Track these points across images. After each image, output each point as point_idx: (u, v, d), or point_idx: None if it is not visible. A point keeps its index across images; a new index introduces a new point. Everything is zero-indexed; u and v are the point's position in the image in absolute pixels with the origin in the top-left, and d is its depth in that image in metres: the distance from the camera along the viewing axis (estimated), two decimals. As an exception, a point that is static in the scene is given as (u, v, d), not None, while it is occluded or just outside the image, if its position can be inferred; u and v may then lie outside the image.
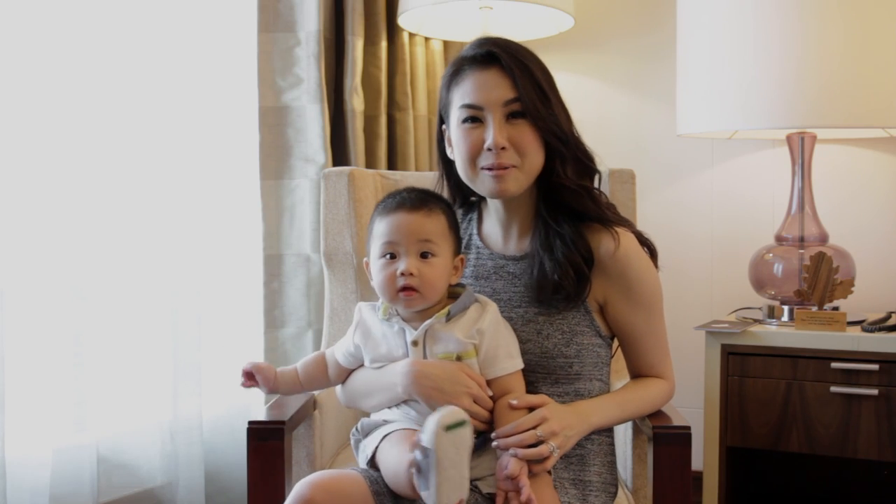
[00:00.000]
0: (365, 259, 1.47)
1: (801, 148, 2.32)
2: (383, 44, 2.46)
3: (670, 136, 2.55)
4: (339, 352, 1.53)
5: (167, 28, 2.12)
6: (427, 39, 2.62)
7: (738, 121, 2.18)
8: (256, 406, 2.25)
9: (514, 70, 1.41)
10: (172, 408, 2.13)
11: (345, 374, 1.54)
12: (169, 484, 2.14)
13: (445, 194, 1.57)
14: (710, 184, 2.66)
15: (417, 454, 1.24)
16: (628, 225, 1.51)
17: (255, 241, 2.30)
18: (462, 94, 1.44)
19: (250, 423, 1.51)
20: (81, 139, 1.96)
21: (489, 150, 1.41)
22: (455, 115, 1.45)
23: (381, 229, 1.42)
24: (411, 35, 2.55)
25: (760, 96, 2.12)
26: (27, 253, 1.89)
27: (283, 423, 1.51)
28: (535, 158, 1.44)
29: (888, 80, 2.10)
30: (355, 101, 2.37)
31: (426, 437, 1.22)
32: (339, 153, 2.38)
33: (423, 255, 1.40)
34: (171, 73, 2.13)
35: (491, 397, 1.40)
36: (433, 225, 1.42)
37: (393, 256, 1.41)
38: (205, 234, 2.21)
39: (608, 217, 1.47)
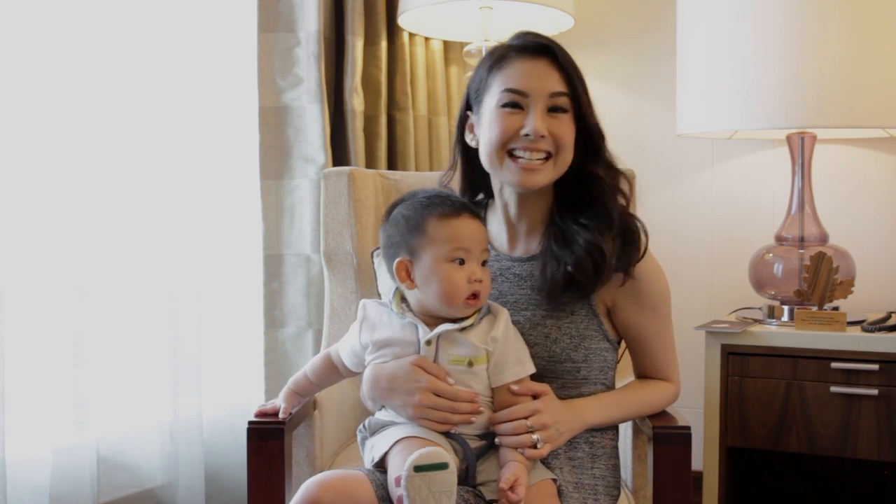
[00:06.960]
0: (400, 259, 1.40)
1: (801, 148, 2.31)
2: (383, 44, 2.46)
3: (670, 136, 2.55)
4: (344, 353, 1.51)
5: (167, 28, 2.12)
6: (427, 39, 2.62)
7: (738, 121, 2.18)
8: (256, 406, 2.25)
9: (567, 65, 1.44)
10: (172, 408, 2.13)
11: (354, 372, 1.53)
12: (169, 484, 2.14)
13: (455, 185, 1.58)
14: (710, 184, 2.66)
15: (400, 490, 1.22)
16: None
17: (255, 241, 2.30)
18: (506, 79, 1.44)
19: (250, 423, 1.52)
20: (82, 139, 1.96)
21: (526, 135, 1.41)
22: (493, 99, 1.44)
23: (448, 233, 1.38)
24: (411, 35, 2.54)
25: (760, 96, 2.12)
26: (27, 253, 1.89)
27: (283, 423, 1.51)
28: (569, 154, 1.45)
29: (888, 80, 2.09)
30: (355, 101, 2.37)
31: (402, 476, 1.21)
32: (339, 153, 2.38)
33: (483, 263, 1.41)
34: (171, 73, 2.13)
35: (492, 400, 1.40)
36: (486, 234, 1.44)
37: (462, 262, 1.39)
38: (205, 233, 2.21)
39: (625, 221, 1.46)
